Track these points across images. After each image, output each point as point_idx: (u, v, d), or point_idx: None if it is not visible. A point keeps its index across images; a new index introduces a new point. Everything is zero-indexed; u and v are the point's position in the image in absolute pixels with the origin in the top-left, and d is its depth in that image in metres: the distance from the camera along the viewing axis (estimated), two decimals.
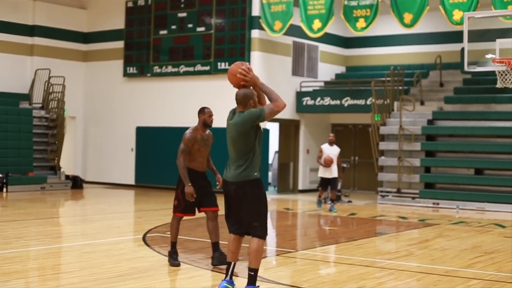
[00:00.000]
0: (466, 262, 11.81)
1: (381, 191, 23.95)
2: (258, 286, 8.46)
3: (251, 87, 8.62)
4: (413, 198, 23.00)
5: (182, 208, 10.86)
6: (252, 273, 8.42)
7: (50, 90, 27.89)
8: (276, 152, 28.09)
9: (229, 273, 8.59)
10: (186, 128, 10.88)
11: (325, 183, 20.64)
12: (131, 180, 28.27)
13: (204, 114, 11.18)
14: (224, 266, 9.50)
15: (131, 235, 15.41)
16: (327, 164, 20.38)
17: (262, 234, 8.44)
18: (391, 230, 17.37)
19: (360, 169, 27.48)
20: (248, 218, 8.46)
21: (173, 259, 10.86)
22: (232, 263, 8.62)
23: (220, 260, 10.69)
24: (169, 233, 11.18)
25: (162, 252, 11.98)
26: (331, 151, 20.73)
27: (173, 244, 10.95)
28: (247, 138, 8.36)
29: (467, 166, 23.23)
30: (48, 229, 15.73)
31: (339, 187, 23.48)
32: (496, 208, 21.26)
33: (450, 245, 14.03)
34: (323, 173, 20.60)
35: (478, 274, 10.70)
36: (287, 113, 26.74)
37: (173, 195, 11.00)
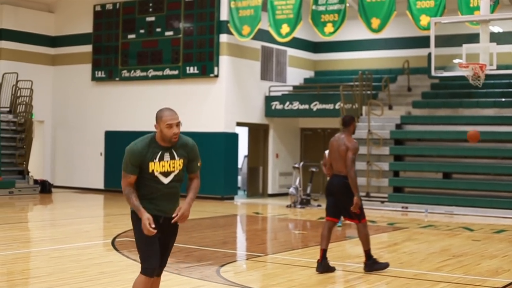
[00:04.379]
0: (434, 266, 11.89)
1: None
2: None
3: None
4: (382, 202, 23.10)
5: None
6: None
7: (18, 94, 27.73)
8: (245, 156, 28.10)
9: None
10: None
11: None
12: (100, 185, 28.15)
13: (355, 122, 11.36)
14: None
15: (100, 239, 15.35)
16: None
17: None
18: None
19: None
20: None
21: (379, 263, 11.07)
22: None
23: (373, 268, 11.01)
24: None
25: (131, 256, 11.95)
26: None
27: (369, 252, 11.04)
28: None
29: (435, 170, 23.39)
30: (16, 234, 15.62)
31: (308, 191, 23.52)
32: (464, 211, 21.39)
33: (418, 249, 14.11)
34: None
35: (446, 277, 10.77)
36: (256, 117, 26.79)
37: None
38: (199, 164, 7.15)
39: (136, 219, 6.88)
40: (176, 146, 6.94)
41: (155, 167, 6.85)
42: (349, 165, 10.87)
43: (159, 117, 6.87)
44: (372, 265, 10.99)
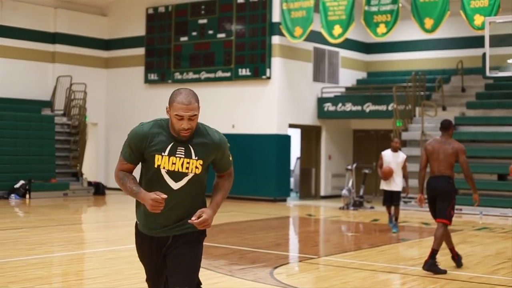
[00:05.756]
0: (490, 269, 11.74)
1: (404, 197, 23.85)
2: None
3: None
4: None
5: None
6: None
7: (72, 97, 28.02)
8: (298, 158, 28.08)
9: None
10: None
11: (387, 197, 16.99)
12: None
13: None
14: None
15: None
16: (385, 176, 16.85)
17: None
18: (414, 236, 17.27)
19: None
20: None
21: (439, 268, 11.15)
22: None
23: (432, 268, 11.06)
24: None
25: None
26: (394, 159, 16.93)
27: (436, 252, 11.15)
28: None
29: (490, 172, 23.09)
30: (71, 235, 15.78)
31: (361, 193, 23.38)
32: None
33: (473, 251, 13.95)
34: (383, 185, 17.00)
35: (502, 280, 10.64)
36: (309, 119, 26.73)
37: None
38: (230, 159, 5.45)
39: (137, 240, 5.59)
40: (194, 141, 5.27)
41: (163, 162, 5.27)
42: (468, 168, 11.36)
43: (171, 100, 5.31)
44: (432, 265, 10.97)
